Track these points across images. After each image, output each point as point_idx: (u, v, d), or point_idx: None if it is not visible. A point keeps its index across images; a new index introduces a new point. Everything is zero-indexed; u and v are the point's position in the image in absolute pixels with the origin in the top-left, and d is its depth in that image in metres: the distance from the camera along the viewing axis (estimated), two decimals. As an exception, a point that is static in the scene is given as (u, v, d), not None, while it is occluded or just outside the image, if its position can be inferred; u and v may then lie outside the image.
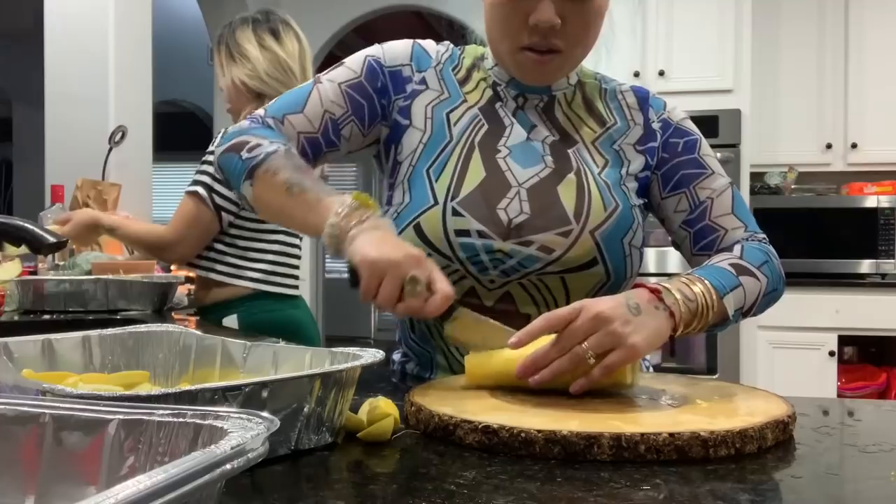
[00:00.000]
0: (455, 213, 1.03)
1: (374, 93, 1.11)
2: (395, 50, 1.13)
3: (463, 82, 1.14)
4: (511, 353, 0.89)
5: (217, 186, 1.87)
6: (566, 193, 1.05)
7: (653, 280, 3.60)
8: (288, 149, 1.03)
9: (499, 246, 1.03)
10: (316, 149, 1.09)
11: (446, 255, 1.03)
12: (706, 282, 0.95)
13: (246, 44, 1.95)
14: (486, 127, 1.10)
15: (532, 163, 1.07)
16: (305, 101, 1.09)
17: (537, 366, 0.85)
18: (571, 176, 1.06)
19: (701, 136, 1.14)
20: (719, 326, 1.00)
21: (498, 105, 1.12)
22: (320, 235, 0.93)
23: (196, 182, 1.91)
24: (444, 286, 0.89)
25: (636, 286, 0.93)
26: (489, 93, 1.12)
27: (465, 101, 1.12)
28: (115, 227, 2.00)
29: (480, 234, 1.03)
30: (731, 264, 1.02)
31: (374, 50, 1.13)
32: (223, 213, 1.89)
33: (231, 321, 1.89)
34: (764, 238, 1.12)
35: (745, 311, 1.01)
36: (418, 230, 1.03)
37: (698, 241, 1.11)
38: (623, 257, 1.05)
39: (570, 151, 1.09)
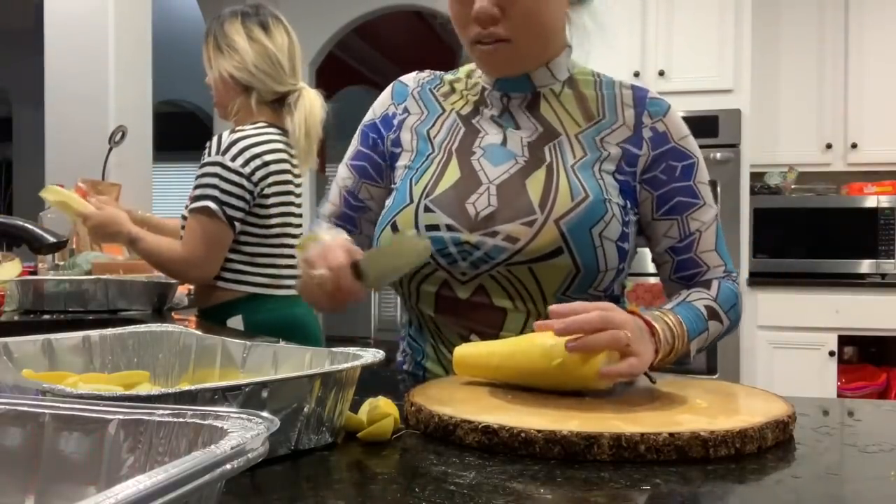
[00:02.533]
0: (427, 209, 1.09)
1: (369, 150, 1.23)
2: (379, 101, 1.26)
3: (447, 96, 1.20)
4: (493, 346, 0.92)
5: (225, 198, 1.82)
6: (533, 185, 1.07)
7: (652, 280, 3.58)
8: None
9: (466, 237, 1.07)
10: (348, 220, 1.24)
11: None
12: (684, 326, 1.01)
13: (234, 35, 1.92)
14: (463, 131, 1.15)
15: (504, 160, 1.11)
16: (329, 192, 1.27)
17: (570, 329, 0.86)
18: (542, 169, 1.09)
19: (699, 157, 1.14)
20: (677, 364, 1.04)
21: (481, 109, 1.16)
22: None
23: (203, 196, 1.82)
24: (334, 260, 0.97)
25: (631, 312, 0.94)
26: (474, 100, 1.18)
27: (445, 111, 1.18)
28: (136, 238, 1.90)
29: (449, 228, 1.08)
30: (706, 307, 1.07)
31: (367, 114, 1.26)
32: (235, 223, 1.85)
33: (235, 322, 1.89)
34: (736, 277, 1.16)
35: (701, 350, 1.07)
36: (394, 228, 1.11)
37: (679, 271, 1.15)
38: (593, 248, 1.05)
39: (548, 146, 1.11)
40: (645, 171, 1.11)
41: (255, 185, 1.85)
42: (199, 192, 1.84)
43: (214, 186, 1.82)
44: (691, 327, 1.02)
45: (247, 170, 1.83)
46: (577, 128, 1.12)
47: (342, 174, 1.25)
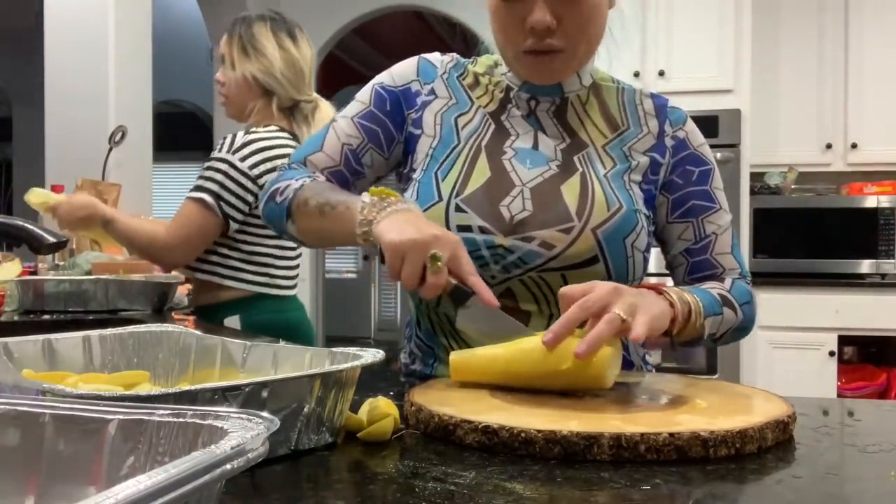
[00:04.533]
0: (458, 209, 1.06)
1: (384, 117, 1.16)
2: (401, 69, 1.18)
3: (472, 87, 1.17)
4: (495, 350, 0.90)
5: (225, 195, 1.84)
6: (569, 192, 1.07)
7: (653, 279, 3.58)
8: (313, 178, 1.11)
9: (500, 241, 1.05)
10: (342, 181, 1.15)
11: None
12: (697, 299, 1.01)
13: (264, 40, 1.95)
14: (493, 129, 1.13)
15: (538, 164, 1.09)
16: (323, 140, 1.16)
17: (559, 334, 0.86)
18: (576, 176, 1.08)
19: (715, 165, 1.16)
20: (692, 344, 1.05)
21: (509, 108, 1.14)
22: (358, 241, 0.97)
23: (202, 188, 1.85)
24: (467, 267, 0.92)
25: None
26: (500, 97, 1.15)
27: (474, 105, 1.15)
28: (111, 218, 1.91)
29: (482, 230, 1.05)
30: (720, 294, 1.07)
31: (382, 76, 1.19)
32: (231, 221, 1.87)
33: (232, 321, 1.89)
34: (750, 281, 1.17)
35: (716, 339, 1.08)
36: None
37: (695, 272, 1.15)
38: (625, 258, 1.06)
39: (578, 156, 1.11)
40: (664, 178, 1.13)
41: (261, 188, 1.86)
42: (200, 182, 1.86)
43: (217, 182, 1.84)
44: (705, 303, 1.02)
45: (254, 172, 1.85)
46: (602, 139, 1.13)
47: (346, 130, 1.16)
